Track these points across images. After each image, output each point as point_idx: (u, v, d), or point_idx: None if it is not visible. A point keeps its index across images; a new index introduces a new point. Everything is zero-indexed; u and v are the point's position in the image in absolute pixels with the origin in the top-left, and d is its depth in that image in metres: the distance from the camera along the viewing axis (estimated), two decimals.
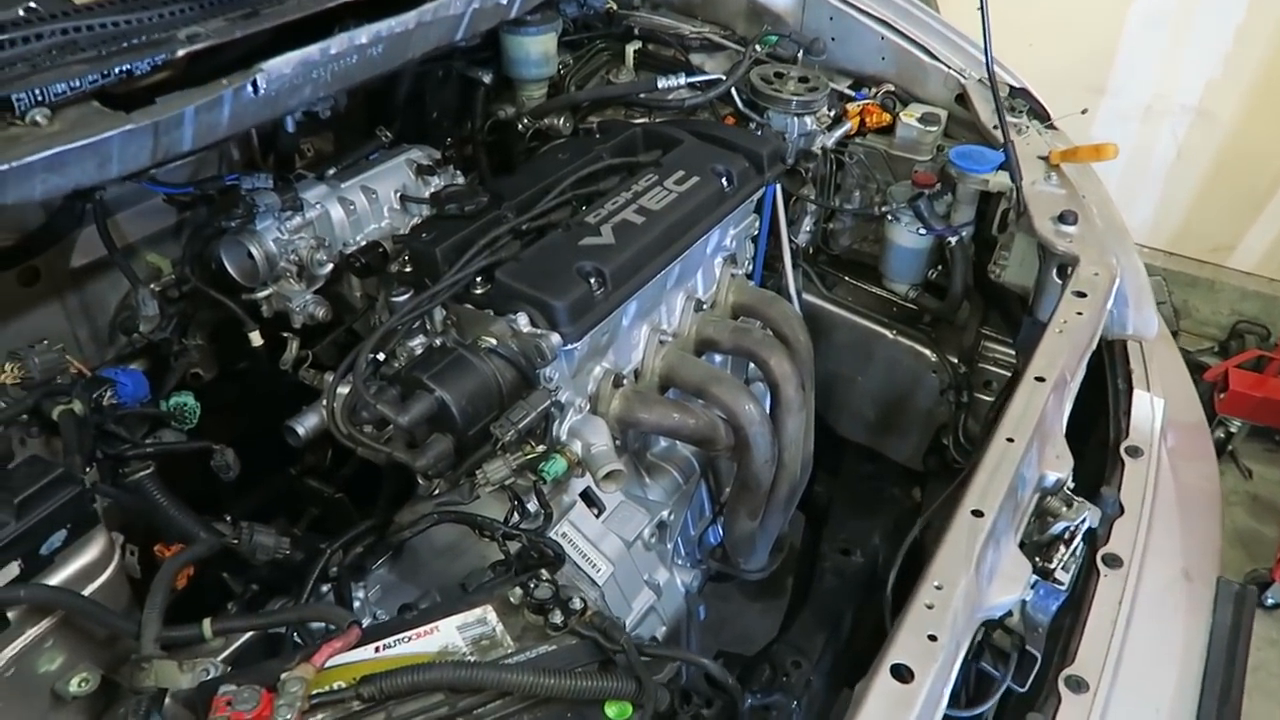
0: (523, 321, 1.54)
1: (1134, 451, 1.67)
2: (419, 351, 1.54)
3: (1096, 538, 1.52)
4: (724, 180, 1.91)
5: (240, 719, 1.01)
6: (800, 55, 2.33)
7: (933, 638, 1.08)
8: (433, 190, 1.99)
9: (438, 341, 1.50)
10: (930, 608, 1.12)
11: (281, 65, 1.35)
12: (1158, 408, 1.75)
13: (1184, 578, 1.55)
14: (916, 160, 2.25)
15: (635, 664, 1.13)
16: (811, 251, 2.46)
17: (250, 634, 1.31)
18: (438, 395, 1.39)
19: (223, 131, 1.34)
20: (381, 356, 1.47)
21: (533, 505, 1.60)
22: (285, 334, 1.81)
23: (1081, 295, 1.68)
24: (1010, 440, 1.36)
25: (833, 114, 2.24)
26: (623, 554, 1.69)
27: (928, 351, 2.29)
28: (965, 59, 2.32)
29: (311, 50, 1.37)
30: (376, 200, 1.94)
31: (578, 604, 1.20)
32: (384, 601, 1.64)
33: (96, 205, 1.64)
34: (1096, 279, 1.72)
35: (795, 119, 2.18)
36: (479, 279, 1.60)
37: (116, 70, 1.17)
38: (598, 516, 1.73)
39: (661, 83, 2.19)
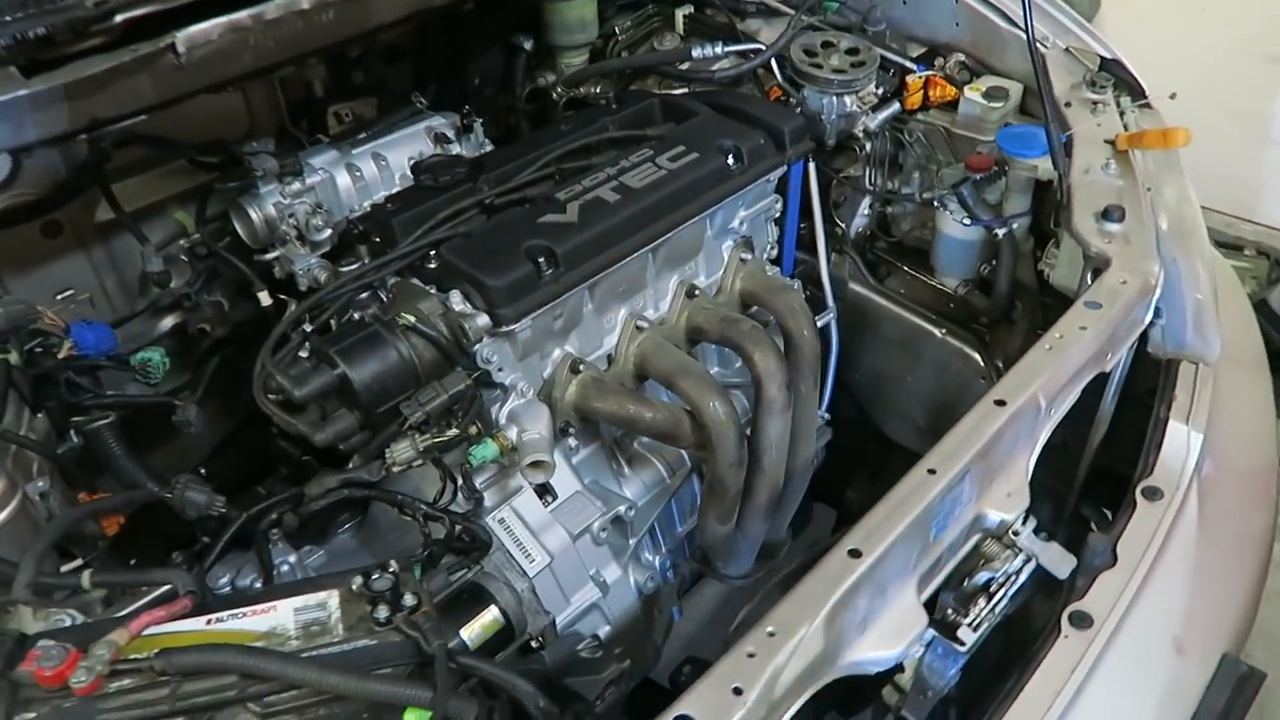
0: (455, 300, 1.50)
1: (1152, 493, 1.43)
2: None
3: (1071, 590, 1.32)
4: (730, 158, 1.77)
5: (41, 674, 1.04)
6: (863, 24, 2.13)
7: (738, 691, 0.96)
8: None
9: (359, 315, 1.48)
10: (752, 656, 0.99)
11: (206, 31, 1.35)
12: (1194, 444, 1.48)
13: (1173, 649, 1.32)
14: (979, 140, 2.00)
15: (440, 671, 1.07)
16: (868, 235, 2.26)
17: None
18: (339, 371, 1.38)
19: (151, 98, 1.37)
20: (309, 327, 1.47)
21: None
22: (283, 297, 1.85)
23: (1095, 306, 1.44)
24: (932, 472, 1.19)
25: (880, 91, 2.03)
26: (566, 546, 1.63)
27: (976, 355, 2.06)
28: (1052, 25, 2.04)
29: (241, 16, 1.37)
30: (387, 168, 1.94)
31: (409, 600, 1.16)
32: (329, 567, 1.66)
33: (98, 160, 1.73)
34: (1122, 287, 1.47)
35: (833, 98, 1.99)
36: (434, 254, 1.57)
37: (18, 35, 1.21)
38: (547, 505, 1.67)
39: (696, 52, 2.06)
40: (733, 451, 1.64)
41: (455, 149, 2.01)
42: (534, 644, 1.59)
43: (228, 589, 1.52)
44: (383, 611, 1.14)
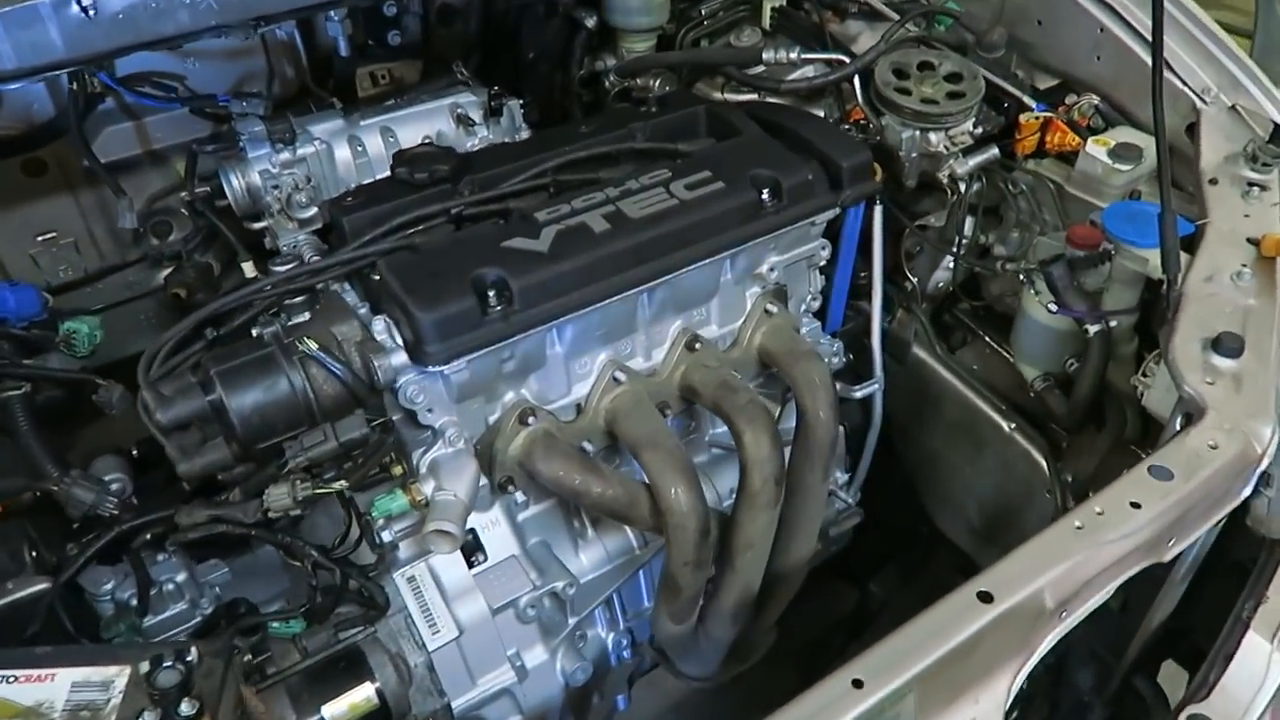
0: (378, 328, 1.28)
1: None
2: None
3: None
4: (764, 192, 1.47)
5: None
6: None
7: None
8: (473, 144, 1.76)
9: (260, 332, 1.27)
10: None
11: None
12: (1275, 666, 1.11)
13: None
14: (1095, 207, 1.61)
15: None
16: (947, 294, 1.90)
17: None
18: (214, 398, 1.18)
19: (60, 54, 1.20)
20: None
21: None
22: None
23: (1163, 474, 1.08)
24: (858, 685, 0.89)
25: (980, 130, 1.66)
26: (482, 620, 1.40)
27: (1043, 463, 1.69)
28: (1218, 74, 1.62)
29: None
30: (395, 145, 1.73)
31: (187, 710, 0.96)
32: (234, 587, 1.50)
33: (74, 104, 1.59)
34: (1210, 453, 1.10)
35: (917, 132, 1.64)
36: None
37: None
38: (476, 564, 1.45)
39: (769, 54, 1.74)
40: (690, 549, 1.37)
41: (481, 133, 1.79)
42: None
43: (108, 599, 1.39)
44: (148, 717, 0.95)
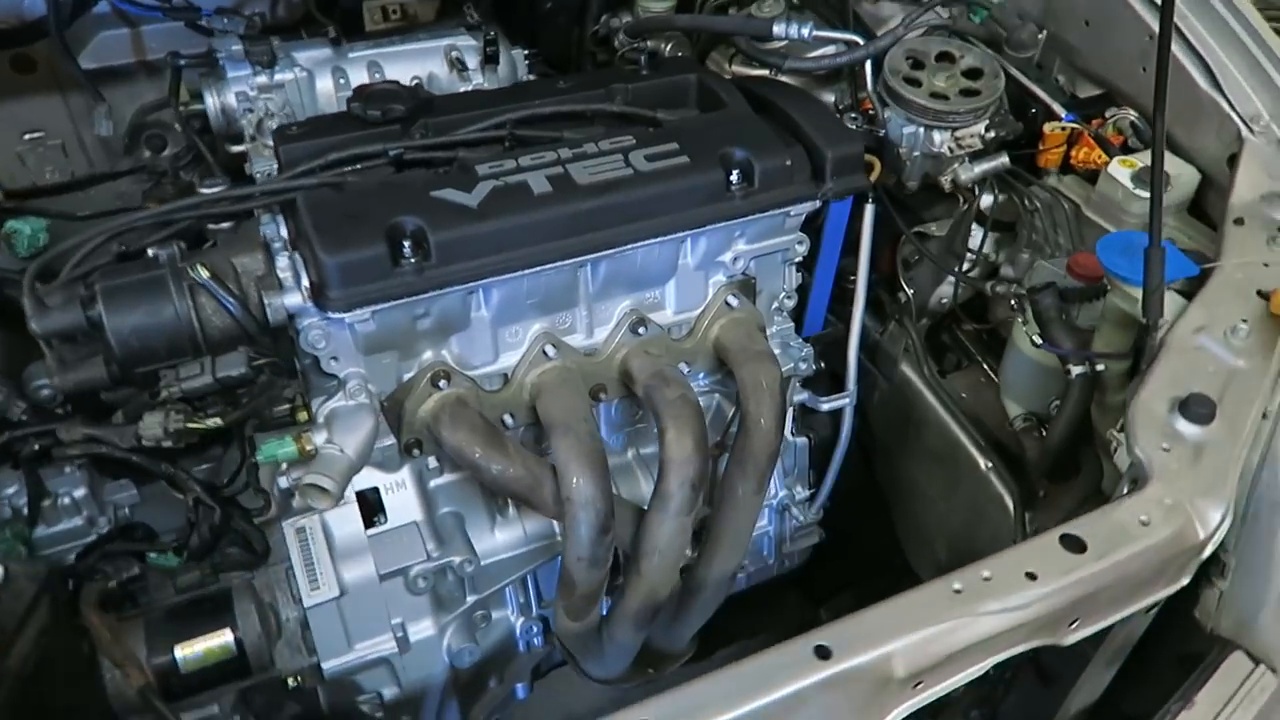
0: (281, 265, 1.22)
1: None
2: None
3: None
4: (732, 174, 1.35)
5: None
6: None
7: None
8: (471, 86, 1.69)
9: (155, 253, 1.21)
10: None
11: None
12: None
13: None
14: (1109, 232, 1.45)
15: None
16: (947, 312, 1.75)
17: None
18: (94, 313, 1.14)
19: None
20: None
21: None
22: None
23: (1077, 547, 0.94)
24: None
25: (993, 134, 1.50)
26: (368, 584, 1.34)
27: (1011, 510, 1.54)
28: (1273, 101, 1.42)
29: None
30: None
31: None
32: (144, 512, 1.47)
33: (53, 2, 1.57)
34: (1140, 529, 0.96)
35: (921, 129, 1.49)
36: None
37: None
38: (377, 525, 1.39)
39: (779, 28, 1.60)
40: (584, 545, 1.28)
41: (474, 79, 1.71)
42: (291, 682, 1.33)
43: (5, 504, 1.37)
44: None
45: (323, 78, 1.67)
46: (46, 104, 1.77)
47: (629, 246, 1.33)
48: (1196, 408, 1.04)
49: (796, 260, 1.52)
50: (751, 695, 0.82)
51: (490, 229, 1.25)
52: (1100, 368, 1.34)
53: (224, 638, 1.25)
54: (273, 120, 1.60)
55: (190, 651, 1.24)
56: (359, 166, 1.33)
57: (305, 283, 1.21)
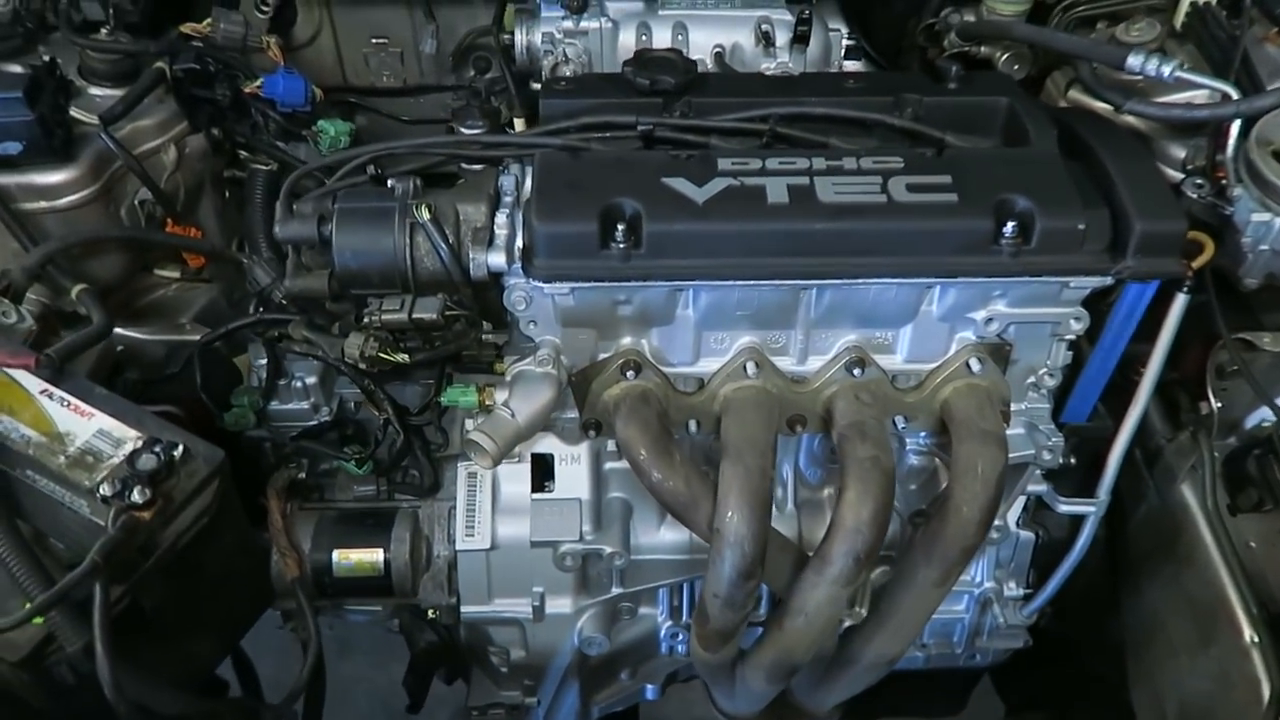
0: (499, 221, 1.22)
1: None
2: None
3: None
4: (1007, 225, 1.17)
5: None
6: None
7: None
8: (769, 68, 1.60)
9: (393, 184, 1.25)
10: None
11: None
12: None
13: None
14: None
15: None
16: (1264, 440, 1.42)
17: None
18: (327, 230, 1.20)
19: None
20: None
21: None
22: None
23: None
24: None
25: None
26: (518, 546, 1.35)
27: (1265, 702, 1.23)
28: None
29: None
30: (684, 43, 1.62)
31: (136, 497, 1.02)
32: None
33: None
34: None
35: (1274, 220, 1.19)
36: None
37: None
38: (546, 490, 1.39)
39: (1134, 60, 1.34)
40: (722, 583, 1.20)
41: (780, 57, 1.62)
42: (431, 614, 1.39)
43: (256, 372, 1.52)
44: (106, 488, 1.03)
45: (627, 31, 1.64)
46: (393, 13, 1.89)
47: (859, 281, 1.19)
48: None
49: (1069, 337, 1.29)
50: None
51: (708, 230, 1.17)
52: None
53: (375, 555, 1.33)
54: (567, 67, 1.61)
55: (345, 559, 1.33)
56: (609, 135, 1.29)
57: (519, 243, 1.21)
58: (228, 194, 1.70)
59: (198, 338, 1.46)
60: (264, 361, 1.48)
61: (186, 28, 1.55)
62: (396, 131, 1.92)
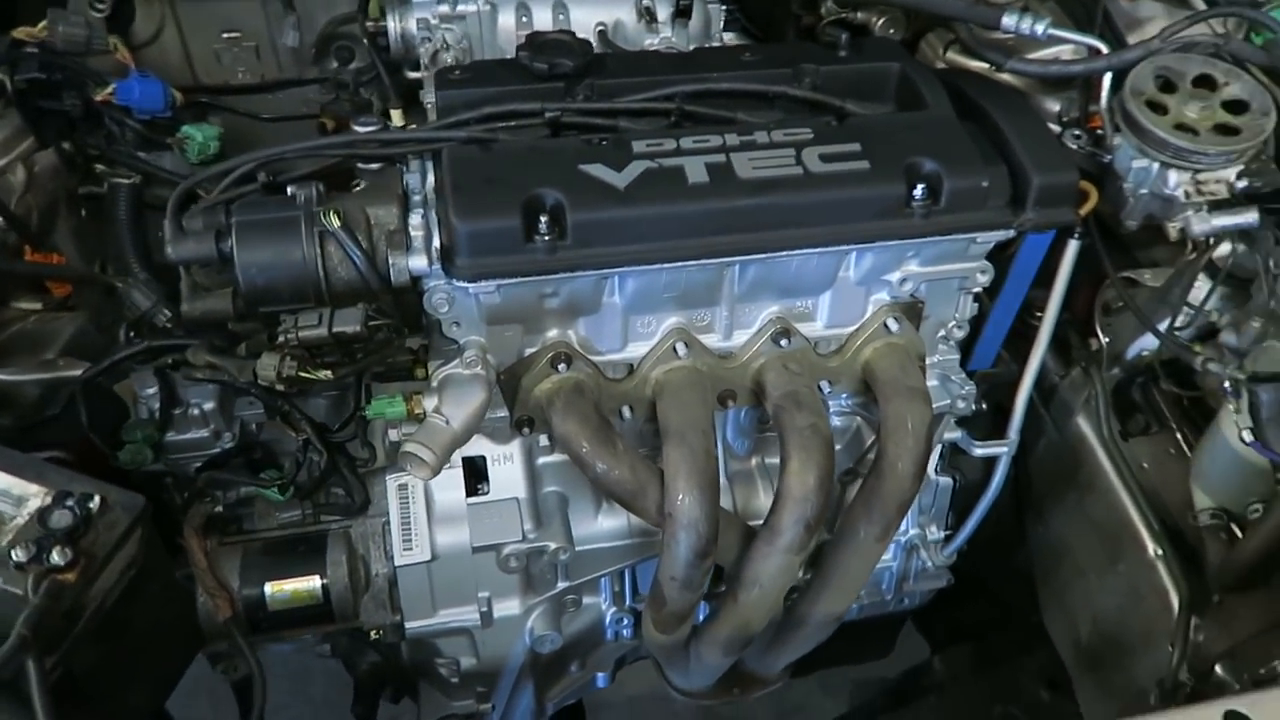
0: (414, 221, 1.17)
1: None
2: None
3: None
4: (917, 188, 1.20)
5: None
6: None
7: None
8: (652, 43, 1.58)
9: (294, 192, 1.18)
10: None
11: None
12: None
13: None
14: None
15: None
16: (1143, 368, 1.53)
17: None
18: (226, 246, 1.12)
19: None
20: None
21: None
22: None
23: None
24: None
25: (1245, 184, 1.26)
26: (460, 553, 1.31)
27: (1176, 609, 1.34)
28: None
29: None
30: (565, 23, 1.58)
31: (56, 559, 0.93)
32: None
33: None
34: None
35: (1154, 165, 1.27)
36: None
37: None
38: (479, 493, 1.35)
39: (1008, 20, 1.40)
40: (678, 565, 1.20)
41: (663, 33, 1.60)
42: (374, 634, 1.33)
43: (144, 404, 1.42)
44: (19, 552, 0.93)
45: (506, 13, 1.59)
46: (246, 6, 1.78)
47: (783, 254, 1.21)
48: None
49: (975, 290, 1.36)
50: None
51: (633, 215, 1.15)
52: None
53: (312, 583, 1.26)
54: (448, 53, 1.55)
55: (279, 590, 1.25)
56: (514, 124, 1.25)
57: (435, 244, 1.16)
58: (84, 212, 1.56)
59: (76, 373, 1.34)
60: (153, 390, 1.38)
61: (20, 33, 1.40)
62: (260, 132, 1.81)
